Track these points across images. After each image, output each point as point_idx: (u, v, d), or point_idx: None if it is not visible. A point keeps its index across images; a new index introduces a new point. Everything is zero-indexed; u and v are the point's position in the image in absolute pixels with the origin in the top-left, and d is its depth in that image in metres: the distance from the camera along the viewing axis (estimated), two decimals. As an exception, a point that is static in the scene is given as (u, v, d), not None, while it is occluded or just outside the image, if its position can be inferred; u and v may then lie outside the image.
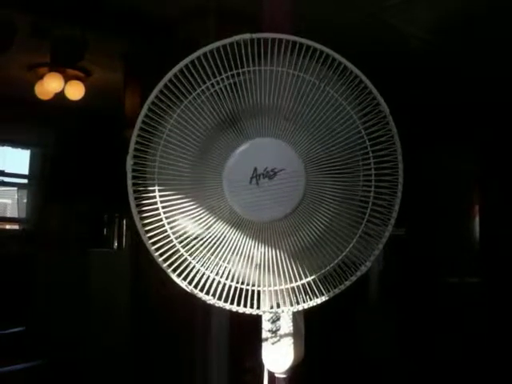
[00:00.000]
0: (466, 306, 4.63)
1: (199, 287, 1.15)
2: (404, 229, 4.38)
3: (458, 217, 5.20)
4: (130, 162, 1.14)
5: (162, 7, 3.31)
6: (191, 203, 1.15)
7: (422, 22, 3.48)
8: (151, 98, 1.13)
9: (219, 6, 3.19)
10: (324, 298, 1.15)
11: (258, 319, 1.26)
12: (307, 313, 1.26)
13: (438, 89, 4.41)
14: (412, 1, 3.19)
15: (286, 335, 1.25)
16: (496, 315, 4.49)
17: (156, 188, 1.15)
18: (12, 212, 6.28)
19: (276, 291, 1.16)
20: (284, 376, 1.28)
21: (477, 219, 5.20)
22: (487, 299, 4.67)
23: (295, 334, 1.25)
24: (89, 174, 5.48)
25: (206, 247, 1.16)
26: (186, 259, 1.16)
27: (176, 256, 1.15)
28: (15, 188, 6.01)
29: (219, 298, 1.15)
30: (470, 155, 5.17)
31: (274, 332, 1.25)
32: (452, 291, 4.81)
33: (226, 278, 1.16)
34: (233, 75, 1.13)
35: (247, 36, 1.11)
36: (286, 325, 1.25)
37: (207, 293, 1.15)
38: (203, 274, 1.16)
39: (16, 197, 6.03)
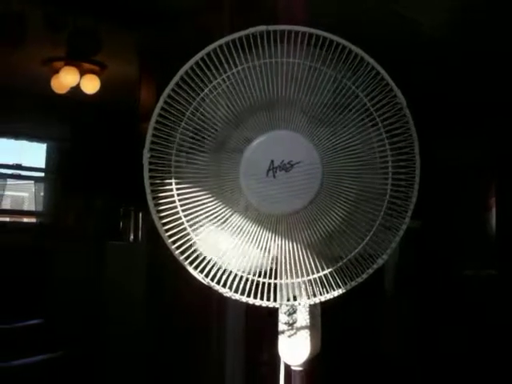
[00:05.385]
0: (482, 299, 4.61)
1: (216, 280, 1.16)
2: (420, 221, 4.36)
3: (474, 209, 5.16)
4: (146, 154, 1.14)
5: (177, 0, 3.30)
6: (208, 196, 1.15)
7: (435, 12, 3.45)
8: (167, 90, 1.13)
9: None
10: (341, 291, 1.15)
11: (274, 312, 1.26)
12: (324, 306, 1.26)
13: (455, 80, 4.38)
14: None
15: (303, 328, 1.25)
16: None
17: (173, 181, 1.15)
18: (29, 205, 6.34)
19: (293, 284, 1.16)
20: (300, 369, 1.28)
21: (493, 211, 5.16)
22: (503, 292, 4.64)
23: (312, 327, 1.25)
24: (104, 168, 5.51)
25: (222, 240, 1.16)
26: (202, 252, 1.16)
27: (193, 249, 1.15)
28: (32, 181, 6.04)
29: (236, 291, 1.15)
30: (487, 147, 5.13)
31: (291, 325, 1.25)
32: (468, 284, 4.78)
33: (243, 271, 1.16)
34: (249, 67, 1.12)
35: (263, 28, 1.10)
36: (303, 317, 1.25)
37: (224, 285, 1.16)
38: (220, 266, 1.16)
39: (33, 190, 6.07)
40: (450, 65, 4.11)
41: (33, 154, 6.04)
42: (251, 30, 1.11)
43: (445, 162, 4.79)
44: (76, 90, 4.36)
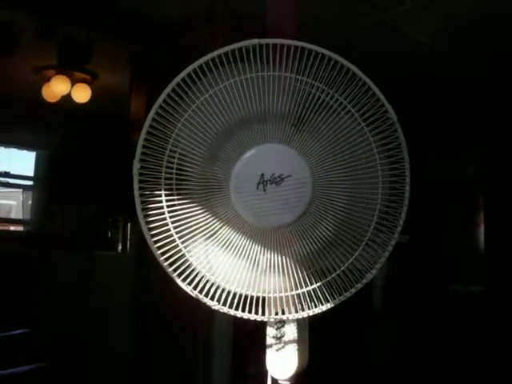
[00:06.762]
0: (470, 315, 4.61)
1: (204, 292, 1.15)
2: (408, 236, 4.36)
3: (463, 224, 5.17)
4: (136, 165, 1.14)
5: (170, 11, 3.31)
6: (197, 208, 1.14)
7: (429, 28, 3.48)
8: (159, 101, 1.13)
9: (226, 10, 3.19)
10: (329, 305, 1.14)
11: (262, 325, 1.26)
12: (311, 320, 1.25)
13: (443, 95, 4.41)
14: (420, 8, 3.18)
15: (291, 342, 1.24)
16: (500, 323, 4.47)
17: (162, 192, 1.15)
18: (17, 213, 6.29)
19: (281, 297, 1.16)
20: (288, 383, 1.27)
21: (481, 226, 5.17)
22: (491, 308, 4.64)
23: (300, 341, 1.25)
24: (94, 177, 5.49)
25: (211, 252, 1.16)
26: (191, 264, 1.16)
27: (182, 261, 1.15)
28: (20, 189, 6.01)
29: (224, 304, 1.15)
30: (475, 162, 5.15)
31: (279, 338, 1.25)
32: (456, 299, 4.79)
33: (231, 284, 1.15)
34: (241, 80, 1.12)
35: (255, 41, 1.11)
36: (291, 331, 1.24)
37: (212, 298, 1.15)
38: (208, 279, 1.16)
39: (21, 198, 6.03)
40: (442, 80, 4.13)
41: (22, 162, 6.02)
42: (244, 42, 1.11)
43: (435, 177, 4.80)
44: (67, 98, 4.35)
